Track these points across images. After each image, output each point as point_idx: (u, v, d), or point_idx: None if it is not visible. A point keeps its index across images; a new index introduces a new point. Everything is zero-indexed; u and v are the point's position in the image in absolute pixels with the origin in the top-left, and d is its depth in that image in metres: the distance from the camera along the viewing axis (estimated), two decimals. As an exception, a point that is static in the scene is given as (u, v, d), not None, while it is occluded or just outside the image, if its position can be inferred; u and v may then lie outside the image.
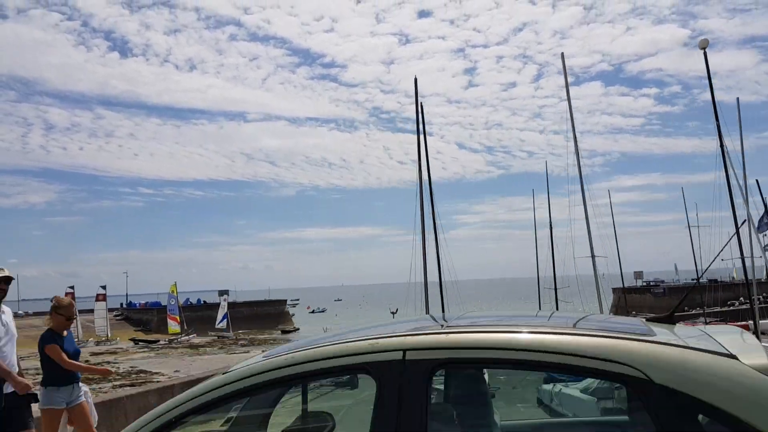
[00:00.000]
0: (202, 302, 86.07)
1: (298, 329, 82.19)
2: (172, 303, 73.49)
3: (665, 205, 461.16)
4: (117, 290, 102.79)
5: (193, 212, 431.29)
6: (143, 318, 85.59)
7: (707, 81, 23.34)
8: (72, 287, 72.25)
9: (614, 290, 73.28)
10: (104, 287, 74.76)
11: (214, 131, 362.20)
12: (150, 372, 45.40)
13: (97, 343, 71.21)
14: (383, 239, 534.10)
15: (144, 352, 63.95)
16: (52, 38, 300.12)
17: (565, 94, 26.03)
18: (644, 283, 73.72)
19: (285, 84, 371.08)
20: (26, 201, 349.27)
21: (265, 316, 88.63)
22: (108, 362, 54.88)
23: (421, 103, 20.34)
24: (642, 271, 73.53)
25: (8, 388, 6.28)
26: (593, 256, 14.03)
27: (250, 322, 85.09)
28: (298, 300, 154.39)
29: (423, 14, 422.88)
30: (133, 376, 44.23)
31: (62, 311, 7.18)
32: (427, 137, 30.91)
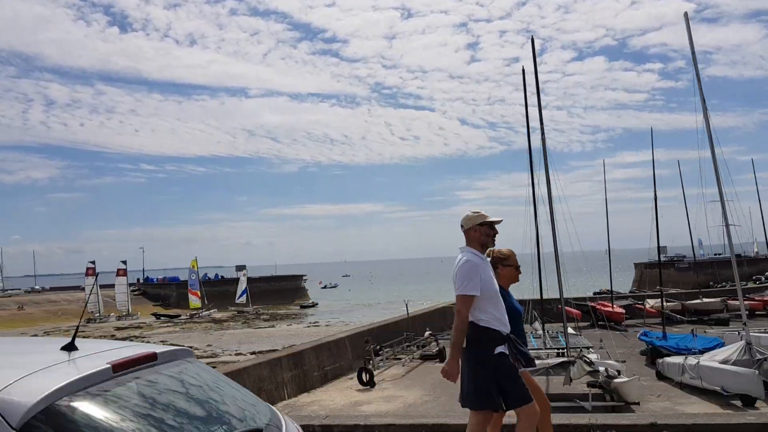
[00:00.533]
0: (219, 277, 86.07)
1: (316, 304, 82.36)
2: (193, 278, 73.54)
3: (666, 181, 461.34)
4: (113, 267, 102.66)
5: (195, 188, 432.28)
6: (161, 293, 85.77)
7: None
8: (93, 262, 72.35)
9: (636, 265, 73.30)
10: (125, 262, 74.74)
11: (216, 107, 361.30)
12: (186, 346, 45.37)
13: (118, 318, 71.39)
14: (384, 215, 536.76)
15: (167, 327, 64.14)
16: (52, 13, 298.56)
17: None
18: (666, 258, 73.54)
19: (286, 59, 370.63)
20: (28, 177, 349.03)
21: (282, 291, 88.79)
22: (135, 337, 55.13)
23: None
24: (666, 246, 73.22)
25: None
26: (726, 225, 13.63)
27: (266, 297, 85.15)
28: (305, 276, 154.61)
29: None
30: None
31: (510, 262, 6.04)
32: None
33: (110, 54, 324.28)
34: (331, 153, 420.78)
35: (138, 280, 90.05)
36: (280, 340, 46.57)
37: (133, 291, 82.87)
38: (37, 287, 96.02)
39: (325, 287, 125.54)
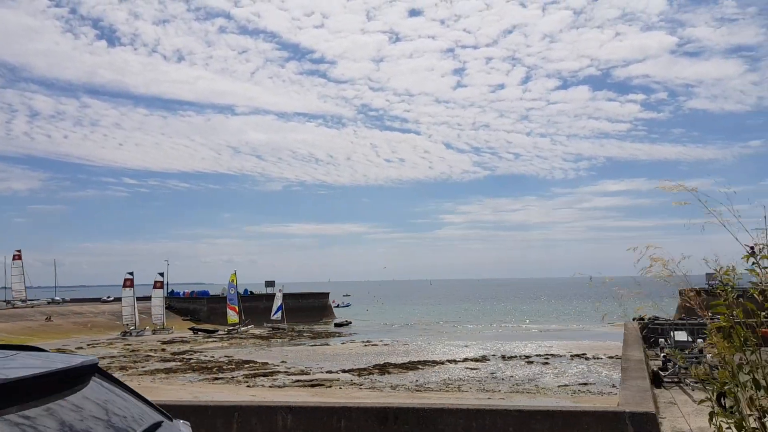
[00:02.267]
0: (249, 293, 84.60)
1: (350, 322, 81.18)
2: (232, 292, 72.24)
3: (650, 211, 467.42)
4: (99, 281, 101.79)
5: (177, 204, 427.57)
6: (190, 307, 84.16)
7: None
8: (131, 273, 70.74)
9: (681, 292, 73.42)
10: (162, 274, 73.29)
11: (201, 123, 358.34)
12: (260, 362, 44.34)
13: (153, 332, 69.80)
14: (368, 236, 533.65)
15: (212, 341, 62.72)
16: (40, 24, 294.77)
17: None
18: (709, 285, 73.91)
19: (274, 78, 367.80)
20: (9, 188, 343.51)
21: (309, 308, 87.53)
22: (194, 351, 53.70)
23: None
24: (714, 273, 73.44)
25: None
26: None
27: (294, 314, 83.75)
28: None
29: (414, 13, 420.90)
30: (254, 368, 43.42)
31: None
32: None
33: (97, 67, 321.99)
34: (315, 173, 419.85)
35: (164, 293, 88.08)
36: (351, 359, 45.64)
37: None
38: (57, 298, 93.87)
39: (338, 306, 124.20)
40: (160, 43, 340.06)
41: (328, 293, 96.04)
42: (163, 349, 56.16)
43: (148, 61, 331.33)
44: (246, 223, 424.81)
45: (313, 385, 32.62)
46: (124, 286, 70.17)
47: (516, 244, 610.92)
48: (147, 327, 70.42)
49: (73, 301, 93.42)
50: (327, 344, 57.82)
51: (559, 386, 31.74)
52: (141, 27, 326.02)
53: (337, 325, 79.54)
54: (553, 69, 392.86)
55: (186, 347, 58.00)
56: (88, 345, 60.47)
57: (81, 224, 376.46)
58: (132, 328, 69.08)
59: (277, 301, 76.15)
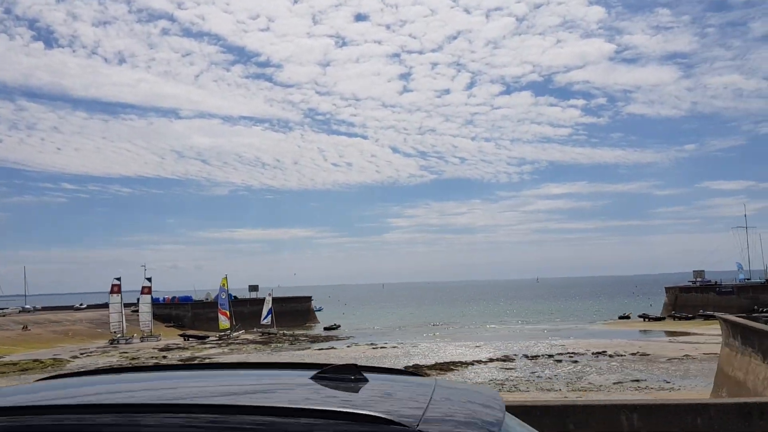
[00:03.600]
0: (233, 297, 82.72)
1: (339, 326, 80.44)
2: (223, 297, 70.62)
3: (589, 213, 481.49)
4: (44, 289, 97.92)
5: (119, 210, 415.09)
6: (172, 313, 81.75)
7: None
8: (119, 279, 68.38)
9: (668, 289, 75.64)
10: (149, 279, 71.00)
11: (144, 127, 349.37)
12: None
13: (142, 339, 67.51)
14: (316, 241, 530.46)
15: (211, 347, 61.17)
16: None
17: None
18: (692, 282, 76.40)
19: (219, 81, 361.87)
20: None
21: (293, 312, 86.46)
22: (203, 358, 52.29)
23: None
24: (703, 270, 76.25)
25: None
26: None
27: (278, 319, 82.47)
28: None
29: (360, 17, 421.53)
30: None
31: None
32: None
33: (34, 69, 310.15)
34: (262, 177, 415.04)
35: (137, 300, 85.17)
36: (375, 362, 45.26)
37: (132, 311, 78.41)
38: (28, 306, 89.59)
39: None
40: (100, 44, 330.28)
41: (310, 297, 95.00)
42: (165, 357, 54.44)
43: (88, 63, 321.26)
44: (191, 228, 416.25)
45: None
46: (112, 292, 67.59)
47: (462, 247, 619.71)
48: (135, 334, 68.05)
49: (45, 309, 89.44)
50: (333, 348, 57.16)
51: (614, 383, 32.23)
52: (80, 28, 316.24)
53: (326, 328, 78.70)
54: (496, 74, 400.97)
55: (187, 354, 56.38)
56: (82, 354, 58.03)
57: (18, 231, 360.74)
58: (119, 335, 66.59)
59: (267, 306, 74.88)
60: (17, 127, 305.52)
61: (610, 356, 42.98)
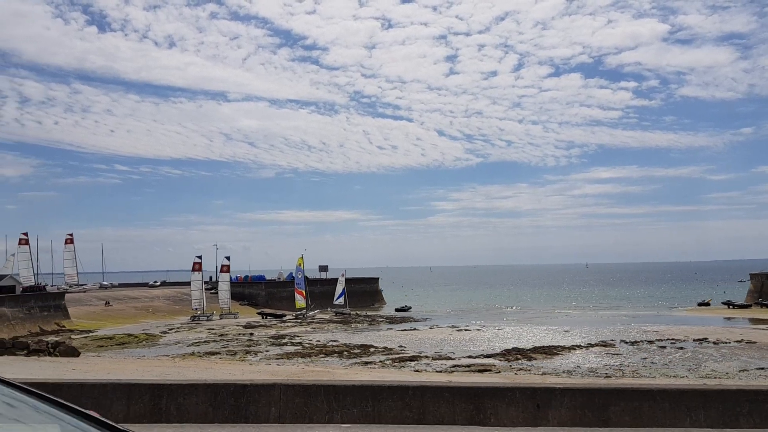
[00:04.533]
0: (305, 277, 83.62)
1: (410, 308, 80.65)
2: (300, 276, 71.37)
3: (639, 197, 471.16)
4: (94, 267, 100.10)
5: (169, 191, 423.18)
6: (245, 292, 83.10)
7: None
8: (200, 257, 69.68)
9: (753, 276, 73.56)
10: (228, 258, 72.17)
11: (193, 110, 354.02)
12: (380, 347, 43.68)
13: (221, 316, 68.85)
14: (360, 223, 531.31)
15: (293, 326, 62.03)
16: (30, 10, 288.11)
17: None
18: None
19: (265, 65, 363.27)
20: (0, 174, 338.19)
21: (361, 293, 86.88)
22: (293, 335, 52.94)
23: None
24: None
25: None
26: None
27: (348, 299, 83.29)
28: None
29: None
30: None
31: None
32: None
33: (87, 53, 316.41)
34: (308, 160, 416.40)
35: (210, 278, 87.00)
36: (469, 344, 45.23)
37: (207, 289, 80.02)
38: (106, 283, 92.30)
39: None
40: (150, 29, 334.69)
41: (377, 279, 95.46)
42: (251, 334, 55.31)
43: (139, 47, 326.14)
44: (238, 210, 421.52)
45: (493, 371, 32.17)
46: (193, 269, 69.09)
47: (507, 230, 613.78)
48: (214, 311, 69.44)
49: (122, 285, 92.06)
50: (415, 329, 57.20)
51: (739, 371, 31.46)
52: (131, 13, 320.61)
53: (397, 310, 78.98)
54: (545, 56, 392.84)
55: (272, 332, 57.20)
56: (170, 330, 59.45)
57: (73, 211, 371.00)
58: (199, 312, 68.05)
59: (340, 286, 75.48)
60: (72, 110, 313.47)
61: (714, 343, 41.97)
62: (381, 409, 9.54)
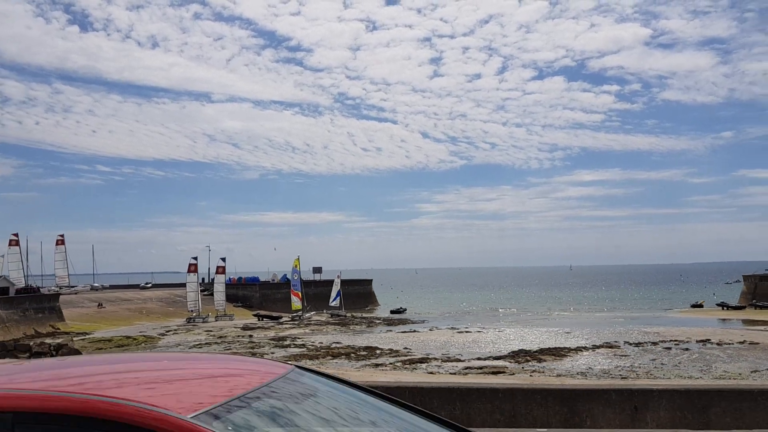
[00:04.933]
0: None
1: (405, 309, 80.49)
2: (296, 278, 70.94)
3: (621, 200, 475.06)
4: (80, 269, 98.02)
5: (152, 192, 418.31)
6: (239, 293, 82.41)
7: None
8: (195, 258, 69.03)
9: (746, 278, 74.30)
10: (224, 259, 71.62)
11: (176, 110, 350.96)
12: (386, 349, 43.51)
13: (216, 318, 68.21)
14: (345, 225, 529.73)
15: (291, 327, 61.59)
16: (11, 9, 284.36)
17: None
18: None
19: (250, 66, 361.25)
20: None
21: (355, 295, 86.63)
22: (294, 337, 52.54)
23: None
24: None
25: None
26: None
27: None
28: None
29: (390, 1, 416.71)
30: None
31: None
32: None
33: (69, 52, 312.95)
34: (292, 161, 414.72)
35: (203, 279, 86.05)
36: (473, 346, 45.20)
37: (201, 291, 79.19)
38: (97, 285, 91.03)
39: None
40: (133, 28, 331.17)
41: (371, 280, 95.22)
42: (250, 336, 54.81)
43: (122, 47, 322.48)
44: (222, 211, 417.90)
45: (507, 373, 32.05)
46: (189, 271, 68.31)
47: (491, 233, 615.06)
48: (209, 313, 68.76)
49: (112, 287, 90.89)
50: (415, 330, 57.08)
51: (751, 372, 31.66)
52: (114, 12, 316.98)
53: (393, 312, 78.76)
54: (529, 59, 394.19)
55: (271, 333, 56.78)
56: (167, 332, 58.75)
57: (54, 212, 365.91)
58: (195, 314, 67.34)
59: (336, 288, 75.14)
60: (54, 110, 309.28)
61: (718, 344, 42.24)
62: (470, 411, 9.34)
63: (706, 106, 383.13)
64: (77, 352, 38.42)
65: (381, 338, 51.65)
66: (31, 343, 39.73)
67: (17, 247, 72.16)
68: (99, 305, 71.56)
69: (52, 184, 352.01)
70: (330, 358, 39.57)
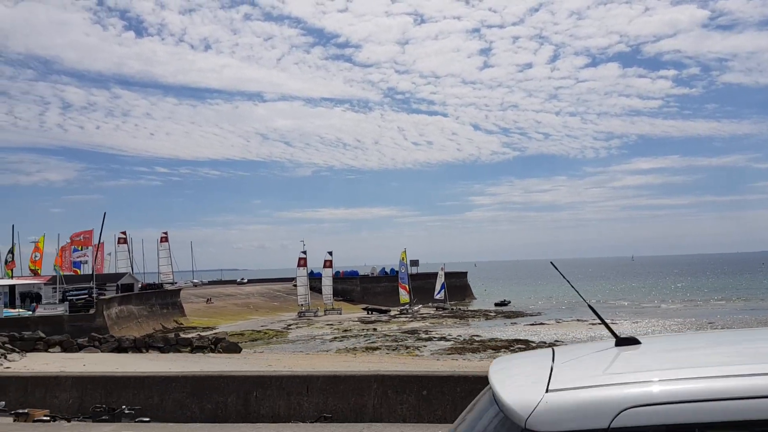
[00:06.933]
0: (395, 272, 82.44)
1: (509, 302, 78.96)
2: (403, 271, 70.15)
3: (682, 188, 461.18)
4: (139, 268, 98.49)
5: (208, 191, 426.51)
6: (339, 287, 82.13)
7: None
8: (305, 252, 68.61)
9: None
10: (330, 253, 71.31)
11: (230, 111, 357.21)
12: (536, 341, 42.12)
13: (325, 312, 67.98)
14: (397, 220, 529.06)
15: (411, 322, 60.83)
16: (69, 17, 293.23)
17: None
18: None
19: (299, 64, 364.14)
20: (45, 178, 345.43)
21: (452, 288, 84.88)
22: (426, 330, 51.62)
23: None
24: None
25: None
26: None
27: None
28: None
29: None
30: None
31: None
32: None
33: (126, 58, 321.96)
34: (343, 157, 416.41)
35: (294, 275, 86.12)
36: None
37: (294, 285, 79.12)
38: (197, 281, 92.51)
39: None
40: (186, 32, 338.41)
41: (466, 273, 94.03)
42: (375, 329, 54.21)
43: (175, 50, 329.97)
44: (276, 209, 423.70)
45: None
46: (299, 265, 68.35)
47: (546, 224, 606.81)
48: (318, 308, 68.62)
49: (211, 283, 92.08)
50: (542, 323, 55.61)
51: None
52: (167, 17, 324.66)
53: (497, 304, 77.33)
54: (581, 46, 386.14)
55: (393, 326, 56.12)
56: (289, 326, 58.71)
57: (116, 213, 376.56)
58: (305, 308, 67.27)
59: (440, 280, 74.10)
60: (113, 114, 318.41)
61: None
62: None
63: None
64: (236, 346, 38.29)
65: (517, 330, 50.39)
66: (192, 338, 39.82)
67: (125, 245, 73.31)
68: (207, 300, 72.24)
69: (113, 186, 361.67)
70: (491, 350, 38.35)
